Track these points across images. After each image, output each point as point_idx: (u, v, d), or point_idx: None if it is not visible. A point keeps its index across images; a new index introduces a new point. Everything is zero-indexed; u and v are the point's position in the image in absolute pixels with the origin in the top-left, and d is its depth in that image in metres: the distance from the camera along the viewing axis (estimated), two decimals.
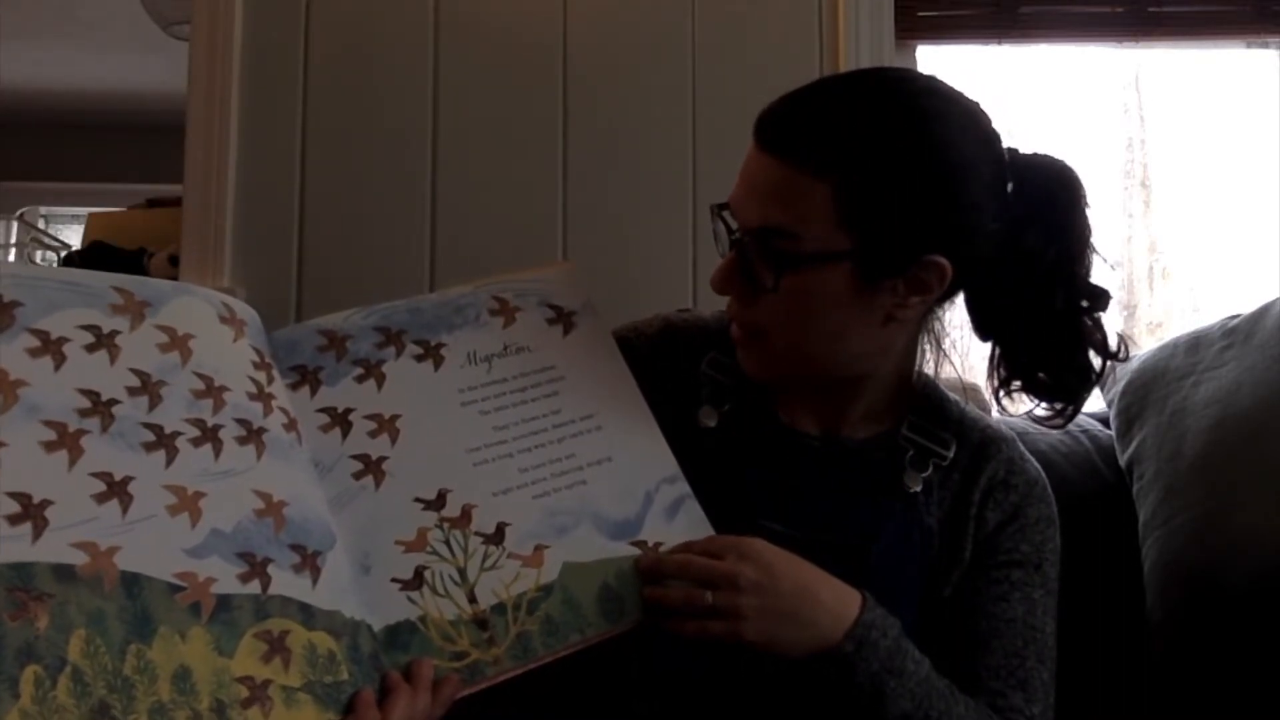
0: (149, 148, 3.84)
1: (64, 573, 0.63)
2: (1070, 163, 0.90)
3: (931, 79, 0.88)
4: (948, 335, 0.96)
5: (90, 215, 2.95)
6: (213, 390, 0.76)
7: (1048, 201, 0.88)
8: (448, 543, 0.80)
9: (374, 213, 1.62)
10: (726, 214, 0.88)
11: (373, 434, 0.84)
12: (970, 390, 1.00)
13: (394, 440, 0.84)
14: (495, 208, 1.63)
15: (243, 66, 1.63)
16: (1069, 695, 0.93)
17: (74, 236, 4.16)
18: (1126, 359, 0.92)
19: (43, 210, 4.66)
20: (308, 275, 1.61)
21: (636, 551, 0.82)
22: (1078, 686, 1.01)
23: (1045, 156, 0.90)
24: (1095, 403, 1.49)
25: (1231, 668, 1.17)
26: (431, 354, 0.89)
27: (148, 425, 0.72)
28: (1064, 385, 0.90)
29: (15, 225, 4.35)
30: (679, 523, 0.84)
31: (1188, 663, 1.20)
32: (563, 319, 0.93)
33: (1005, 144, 0.88)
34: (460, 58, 1.64)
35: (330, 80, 1.64)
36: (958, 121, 0.84)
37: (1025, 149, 0.90)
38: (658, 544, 0.83)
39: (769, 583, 0.78)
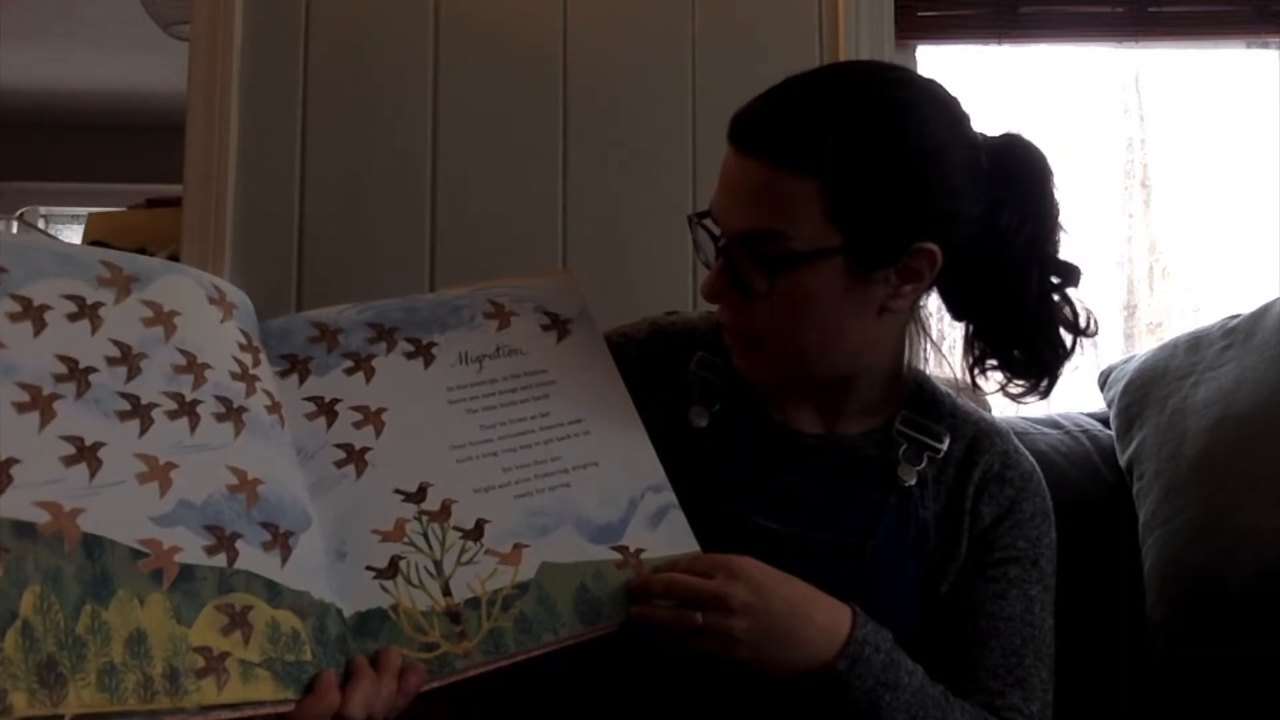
0: (149, 148, 3.84)
1: (23, 529, 0.63)
2: (1038, 143, 0.91)
3: (900, 69, 0.90)
4: (945, 339, 0.96)
5: (90, 215, 2.96)
6: (194, 367, 0.76)
7: (1019, 182, 0.88)
8: (425, 535, 0.80)
9: (374, 212, 1.62)
10: (708, 222, 0.88)
11: (357, 425, 0.84)
12: (965, 388, 1.00)
13: (378, 432, 0.84)
14: (495, 208, 1.62)
15: (243, 66, 1.63)
16: (1069, 695, 0.93)
17: (74, 236, 4.17)
18: (1097, 334, 0.92)
19: (43, 210, 4.66)
20: (308, 275, 1.61)
21: (617, 555, 0.82)
22: (1078, 686, 1.01)
23: (1014, 137, 0.91)
24: (1095, 402, 1.49)
25: (1231, 668, 1.17)
26: (422, 351, 0.89)
27: (124, 395, 0.72)
28: (1039, 361, 0.91)
29: (15, 225, 4.35)
30: (662, 531, 0.84)
31: (1188, 663, 1.19)
32: (557, 326, 0.93)
33: (975, 129, 0.88)
34: (460, 58, 1.64)
35: (330, 80, 1.64)
36: (930, 108, 0.85)
37: (994, 133, 0.90)
38: (639, 550, 0.83)
39: (760, 604, 0.78)
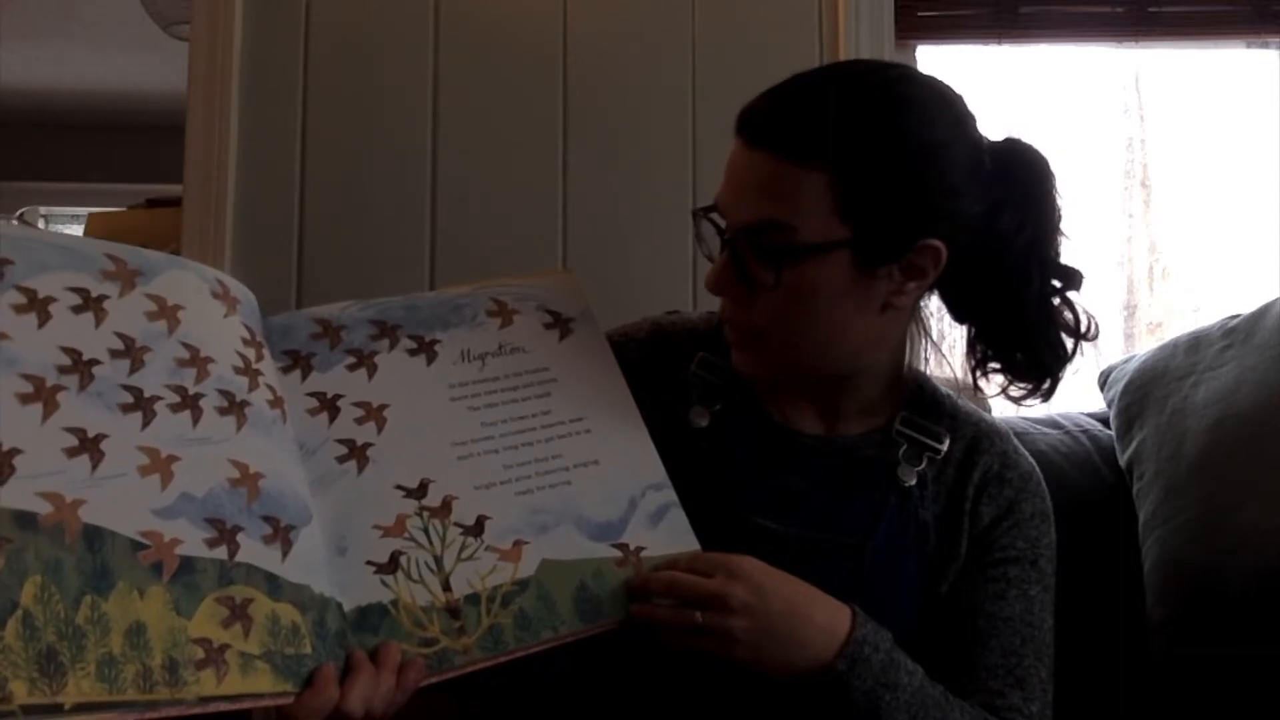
0: (149, 148, 3.84)
1: (25, 520, 0.63)
2: (1040, 147, 0.91)
3: (907, 68, 0.90)
4: (945, 339, 0.96)
5: (90, 215, 2.95)
6: (197, 360, 0.77)
7: (1020, 185, 0.89)
8: (426, 531, 0.80)
9: (374, 213, 1.62)
10: (714, 215, 0.88)
11: (359, 420, 0.84)
12: (966, 389, 1.00)
13: (380, 428, 0.84)
14: (495, 208, 1.62)
15: (243, 66, 1.63)
16: (1069, 695, 0.93)
17: None
18: (1097, 338, 0.92)
19: (43, 210, 4.67)
20: (307, 275, 1.61)
21: (617, 553, 0.82)
22: (1078, 686, 1.01)
23: (1016, 141, 0.91)
24: (1095, 402, 1.49)
25: (1231, 668, 1.17)
26: (425, 349, 0.89)
27: (127, 387, 0.72)
28: (1041, 364, 0.91)
29: (15, 225, 4.35)
30: (662, 530, 0.84)
31: (1188, 663, 1.19)
32: (560, 324, 0.94)
33: (980, 130, 0.89)
34: (460, 58, 1.64)
35: (330, 80, 1.64)
36: (933, 106, 0.85)
37: (997, 136, 0.91)
38: (639, 548, 0.83)
39: (759, 604, 0.78)
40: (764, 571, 0.79)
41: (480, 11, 1.65)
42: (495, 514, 0.82)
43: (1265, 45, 1.78)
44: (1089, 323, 0.91)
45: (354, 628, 0.75)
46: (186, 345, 0.77)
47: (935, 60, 1.78)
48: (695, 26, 1.65)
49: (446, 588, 0.78)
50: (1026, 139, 0.91)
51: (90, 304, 0.73)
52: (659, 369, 0.97)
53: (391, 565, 0.78)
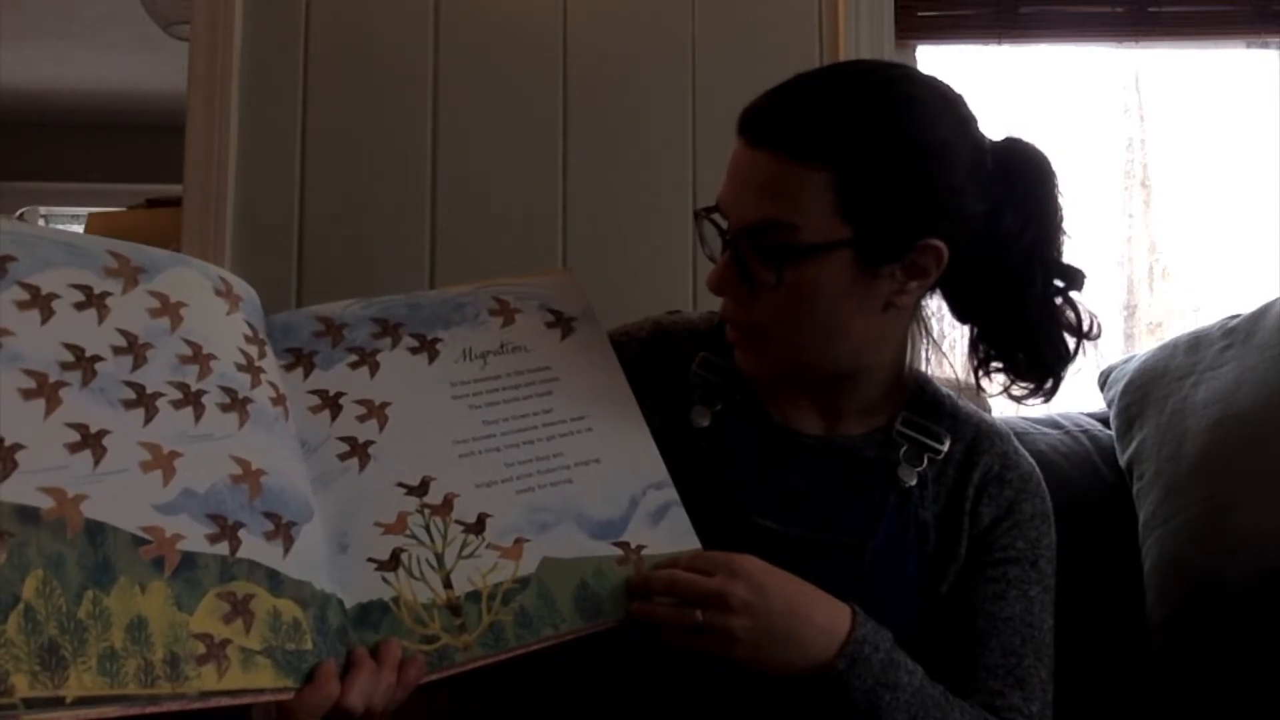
0: (149, 148, 3.85)
1: (27, 514, 0.63)
2: (1042, 147, 0.91)
3: (908, 68, 0.91)
4: (945, 337, 0.96)
5: (90, 215, 2.96)
6: (200, 357, 0.77)
7: (1022, 185, 0.89)
8: (427, 528, 0.80)
9: (374, 213, 1.62)
10: (716, 215, 0.88)
11: (361, 418, 0.85)
12: (967, 389, 1.00)
13: (382, 426, 0.84)
14: (495, 208, 1.62)
15: (243, 66, 1.63)
16: (1069, 695, 0.93)
17: None
18: (1099, 337, 0.92)
19: (43, 210, 4.67)
20: (308, 275, 1.61)
21: (618, 551, 0.82)
22: (1078, 686, 1.01)
23: (1018, 141, 0.91)
24: (1095, 402, 1.49)
25: (1231, 668, 1.17)
26: (427, 347, 0.90)
27: (129, 384, 0.72)
28: (1043, 363, 0.91)
29: (18, 222, 4.35)
30: (663, 529, 0.84)
31: (1188, 663, 1.19)
32: (562, 323, 0.94)
33: (982, 131, 0.89)
34: (460, 58, 1.64)
35: (330, 80, 1.64)
36: (935, 106, 0.86)
37: (997, 136, 0.91)
38: (640, 546, 0.83)
39: (760, 603, 0.78)
40: (765, 571, 0.79)
41: (480, 11, 1.65)
42: (496, 512, 0.82)
43: (1265, 45, 1.78)
44: (1091, 322, 0.91)
45: (355, 624, 0.75)
46: (189, 342, 0.77)
47: (935, 60, 1.78)
48: (695, 26, 1.65)
49: (447, 585, 0.78)
50: (1028, 139, 0.91)
51: (93, 301, 0.74)
52: (660, 368, 0.97)
53: (393, 562, 0.78)
